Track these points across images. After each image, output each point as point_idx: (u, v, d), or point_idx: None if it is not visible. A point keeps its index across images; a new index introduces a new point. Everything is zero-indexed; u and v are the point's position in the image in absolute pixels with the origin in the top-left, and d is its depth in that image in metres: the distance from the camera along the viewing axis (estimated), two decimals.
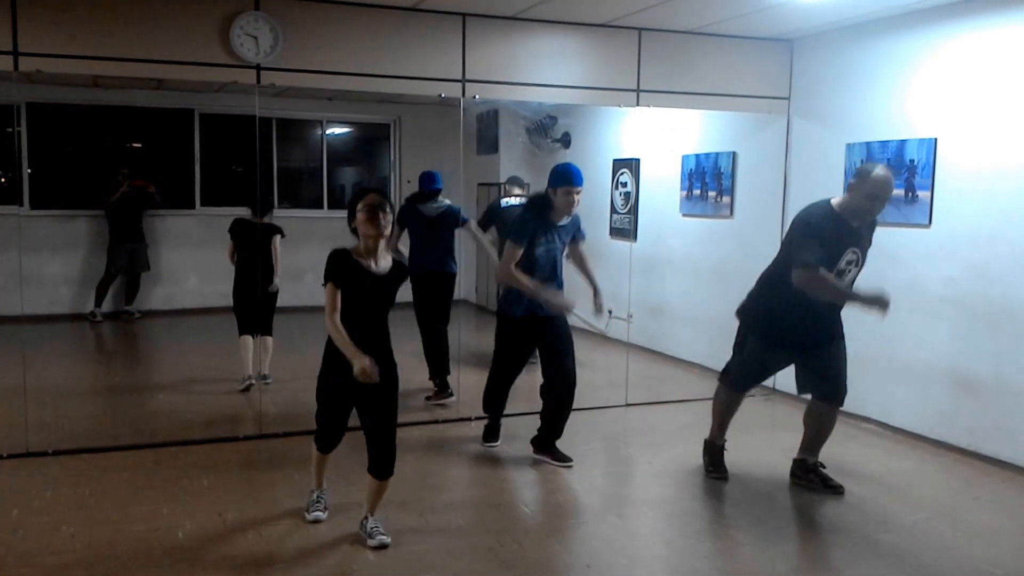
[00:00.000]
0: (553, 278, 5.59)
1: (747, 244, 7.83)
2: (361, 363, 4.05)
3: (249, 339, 7.33)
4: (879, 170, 4.99)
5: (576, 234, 5.78)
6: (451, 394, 7.04)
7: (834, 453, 5.82)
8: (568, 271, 5.80)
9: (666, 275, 8.99)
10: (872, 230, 5.25)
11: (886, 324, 6.37)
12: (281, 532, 4.52)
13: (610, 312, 9.05)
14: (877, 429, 6.59)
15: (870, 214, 5.05)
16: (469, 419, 6.57)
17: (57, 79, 7.77)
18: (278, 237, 7.25)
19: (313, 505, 4.69)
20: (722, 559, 4.40)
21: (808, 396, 5.51)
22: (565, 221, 5.60)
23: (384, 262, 4.25)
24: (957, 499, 5.30)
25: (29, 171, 10.59)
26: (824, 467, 5.45)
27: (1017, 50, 5.68)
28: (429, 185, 7.04)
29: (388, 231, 4.21)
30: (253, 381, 7.23)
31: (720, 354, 8.04)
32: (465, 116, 6.99)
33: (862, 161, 6.53)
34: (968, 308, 6.01)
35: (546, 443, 5.78)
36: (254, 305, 7.32)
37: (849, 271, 5.09)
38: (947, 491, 5.43)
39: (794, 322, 5.15)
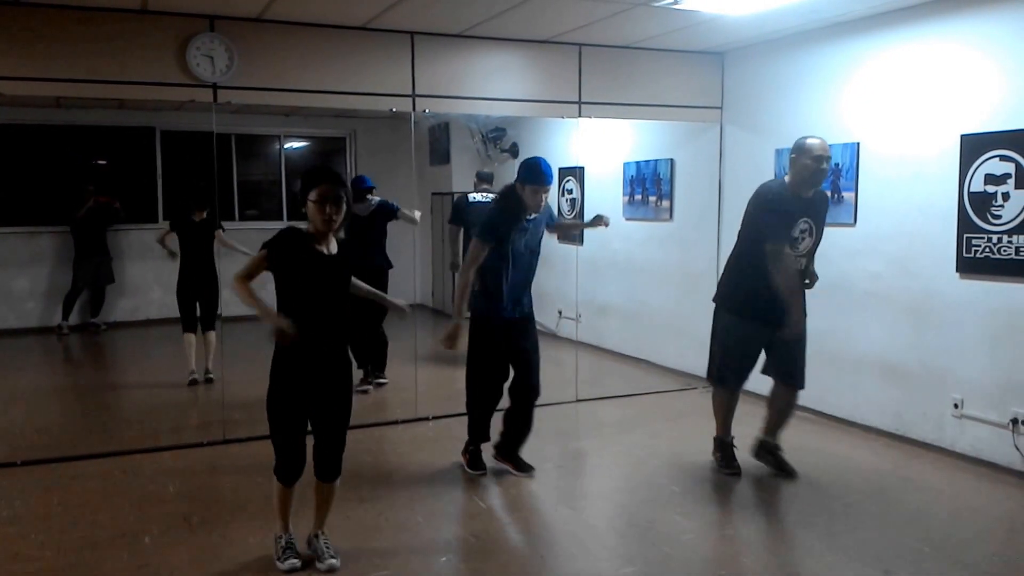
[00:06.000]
0: (531, 270, 5.30)
1: (686, 245, 7.86)
2: (277, 323, 3.66)
3: (192, 336, 7.42)
4: (812, 138, 5.14)
5: (549, 221, 5.44)
6: (372, 384, 7.26)
7: None
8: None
9: (611, 276, 8.98)
10: (825, 205, 5.33)
11: (818, 318, 6.44)
12: (245, 534, 4.39)
13: (560, 312, 9.05)
14: (811, 416, 6.61)
15: (821, 174, 5.11)
16: (427, 418, 6.49)
17: (20, 100, 7.57)
18: (221, 230, 7.46)
19: (284, 552, 4.04)
20: (668, 545, 4.37)
21: (768, 376, 5.45)
22: (536, 214, 5.20)
23: (333, 245, 3.95)
24: (887, 481, 5.33)
25: None
26: (781, 450, 5.41)
27: (931, 60, 5.76)
28: (358, 186, 7.12)
29: (339, 223, 3.86)
30: (197, 376, 7.33)
31: (662, 350, 8.14)
32: (417, 129, 6.93)
33: None
34: (892, 301, 6.06)
35: (509, 449, 5.38)
36: (197, 302, 7.46)
37: (803, 239, 5.17)
38: (878, 473, 5.46)
39: (763, 291, 5.02)
